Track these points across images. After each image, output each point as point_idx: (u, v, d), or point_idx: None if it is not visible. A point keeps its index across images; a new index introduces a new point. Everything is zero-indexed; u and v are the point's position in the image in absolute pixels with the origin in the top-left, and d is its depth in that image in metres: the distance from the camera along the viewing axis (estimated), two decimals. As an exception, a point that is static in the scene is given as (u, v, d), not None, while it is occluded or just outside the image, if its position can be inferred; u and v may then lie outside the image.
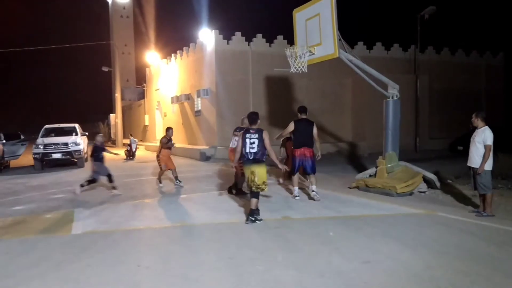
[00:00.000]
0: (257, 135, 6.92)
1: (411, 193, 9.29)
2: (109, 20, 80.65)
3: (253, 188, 6.88)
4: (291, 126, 8.87)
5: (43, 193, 10.98)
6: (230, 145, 9.74)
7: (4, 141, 17.53)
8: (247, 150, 6.91)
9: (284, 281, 4.49)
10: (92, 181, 10.15)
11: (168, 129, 11.33)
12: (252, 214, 6.92)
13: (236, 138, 8.49)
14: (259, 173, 6.84)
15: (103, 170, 10.24)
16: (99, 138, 10.59)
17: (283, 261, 5.11)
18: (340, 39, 9.55)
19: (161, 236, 6.48)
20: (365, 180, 10.11)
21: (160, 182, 11.25)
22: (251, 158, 6.90)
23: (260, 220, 6.95)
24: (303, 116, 8.95)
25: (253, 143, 6.88)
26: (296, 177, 9.03)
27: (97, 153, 10.17)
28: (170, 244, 5.99)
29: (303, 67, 10.20)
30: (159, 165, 11.14)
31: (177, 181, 11.18)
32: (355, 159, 17.42)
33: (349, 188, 10.31)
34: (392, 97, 10.24)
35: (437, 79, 23.76)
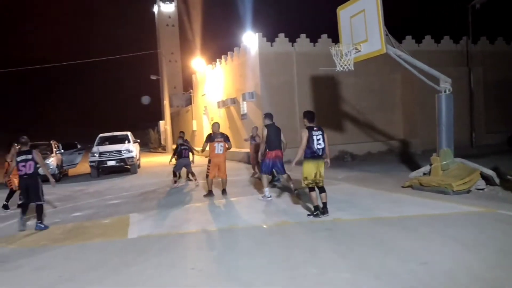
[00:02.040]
0: (320, 131, 7.26)
1: (468, 191, 8.87)
2: (155, 29, 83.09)
3: (320, 184, 7.26)
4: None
5: (100, 199, 11.44)
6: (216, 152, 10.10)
7: (62, 150, 18.49)
8: (316, 147, 7.14)
9: (338, 283, 4.41)
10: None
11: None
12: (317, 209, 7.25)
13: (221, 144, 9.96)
14: (323, 168, 7.24)
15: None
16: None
17: (337, 263, 5.01)
18: (387, 34, 9.31)
19: (214, 239, 6.55)
20: (419, 179, 9.76)
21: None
22: (321, 154, 7.20)
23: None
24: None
25: (319, 139, 7.19)
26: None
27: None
28: (222, 247, 6.05)
29: (349, 65, 10.02)
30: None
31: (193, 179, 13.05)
32: (407, 157, 16.89)
33: (402, 187, 9.99)
34: (445, 91, 9.84)
35: (492, 71, 22.56)
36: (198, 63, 32.91)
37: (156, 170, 19.84)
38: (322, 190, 7.34)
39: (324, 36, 20.14)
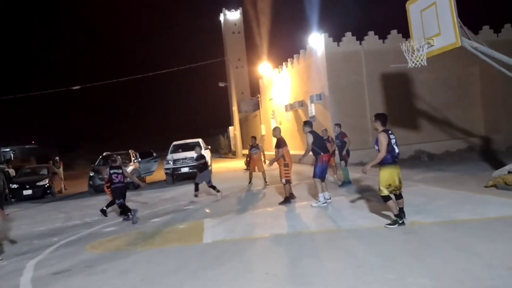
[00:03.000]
0: (393, 135, 6.79)
1: (562, 190, 8.11)
2: (222, 37, 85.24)
3: (398, 192, 6.76)
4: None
5: (175, 205, 11.90)
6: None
7: (139, 159, 19.50)
8: (397, 151, 6.71)
9: (418, 290, 4.21)
10: None
11: (252, 138, 14.89)
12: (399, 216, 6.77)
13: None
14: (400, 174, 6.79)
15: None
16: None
17: (415, 268, 4.79)
18: (461, 26, 8.80)
19: (286, 244, 6.54)
20: (503, 178, 9.09)
21: (250, 182, 14.12)
22: (397, 159, 6.78)
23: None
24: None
25: (395, 143, 6.71)
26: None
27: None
28: (295, 252, 6.03)
29: (421, 60, 9.60)
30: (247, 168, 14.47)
31: (265, 182, 13.75)
32: (490, 154, 15.81)
33: (485, 187, 9.35)
34: (530, 83, 9.10)
35: None
36: (264, 67, 33.23)
37: (227, 175, 20.27)
38: (399, 196, 6.88)
39: (394, 32, 19.48)
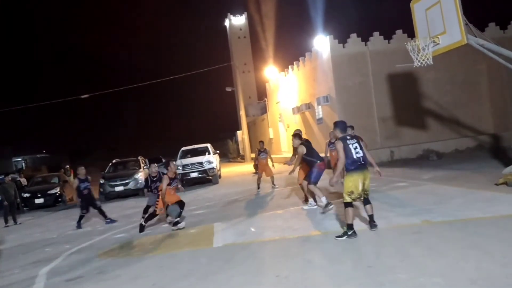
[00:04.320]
0: (355, 140, 6.61)
1: None
2: (228, 43, 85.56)
3: (362, 198, 6.57)
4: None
5: (186, 209, 11.89)
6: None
7: (149, 165, 19.59)
8: (356, 156, 6.45)
9: (430, 289, 4.20)
10: None
11: (260, 142, 14.72)
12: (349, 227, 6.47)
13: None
14: (369, 179, 6.57)
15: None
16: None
17: (427, 268, 4.77)
18: (466, 24, 8.77)
19: (296, 246, 6.54)
20: (514, 175, 9.00)
21: (258, 188, 13.70)
22: (363, 162, 6.51)
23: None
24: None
25: (356, 147, 6.50)
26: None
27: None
28: (305, 254, 6.02)
29: (427, 59, 9.57)
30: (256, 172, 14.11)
31: (273, 185, 13.75)
32: (499, 152, 15.66)
33: (496, 184, 9.26)
34: (538, 78, 9.04)
35: None
36: (270, 71, 33.28)
37: (236, 179, 20.30)
38: (367, 201, 6.65)
39: (399, 31, 19.42)
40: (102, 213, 11.35)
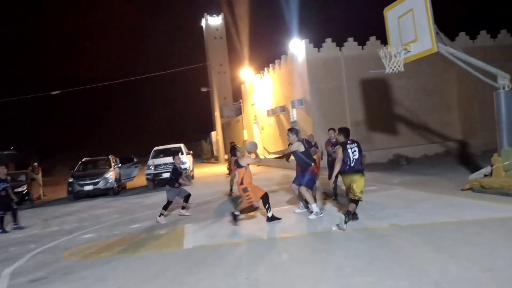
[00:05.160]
0: (354, 145, 7.33)
1: (535, 192, 8.32)
2: (204, 43, 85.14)
3: (351, 196, 7.22)
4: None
5: (156, 211, 11.71)
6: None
7: (120, 165, 19.30)
8: (352, 159, 7.20)
9: (396, 292, 4.27)
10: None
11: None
12: (348, 214, 6.99)
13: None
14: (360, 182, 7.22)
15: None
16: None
17: (394, 271, 4.85)
18: (437, 33, 9.02)
19: (267, 248, 6.55)
20: (479, 181, 9.28)
21: (231, 189, 13.18)
22: (354, 169, 7.22)
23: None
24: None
25: (355, 151, 7.26)
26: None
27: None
28: (276, 256, 6.04)
29: (399, 66, 9.78)
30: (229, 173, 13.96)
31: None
32: (466, 158, 16.12)
33: (462, 190, 9.53)
34: (504, 88, 9.35)
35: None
36: (246, 73, 33.28)
37: (209, 180, 20.21)
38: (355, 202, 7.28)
39: (373, 38, 19.77)
40: (15, 216, 11.10)
